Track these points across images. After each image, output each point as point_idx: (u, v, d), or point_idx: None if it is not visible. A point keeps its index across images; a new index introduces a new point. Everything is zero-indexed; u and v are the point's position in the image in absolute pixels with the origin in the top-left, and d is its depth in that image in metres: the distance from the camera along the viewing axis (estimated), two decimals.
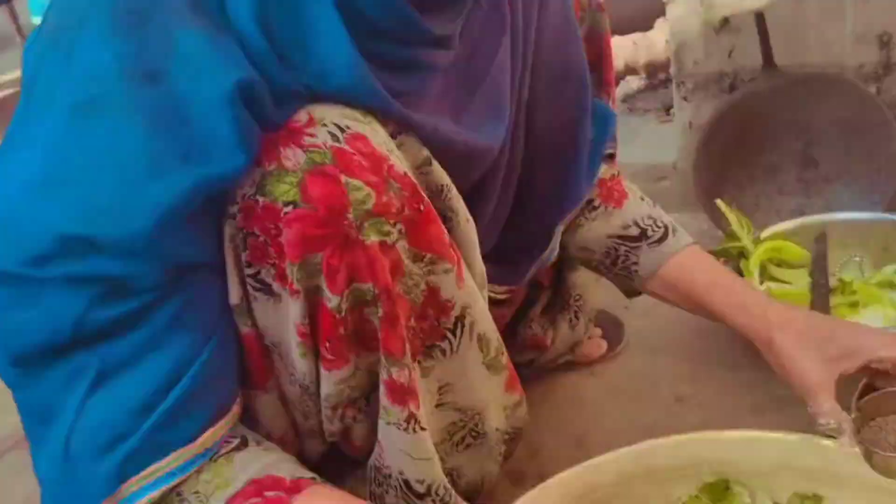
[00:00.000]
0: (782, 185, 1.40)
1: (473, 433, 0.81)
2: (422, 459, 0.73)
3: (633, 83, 2.14)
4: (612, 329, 1.22)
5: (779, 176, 1.40)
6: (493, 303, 0.83)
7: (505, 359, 0.80)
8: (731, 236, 1.17)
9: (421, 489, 0.75)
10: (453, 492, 0.78)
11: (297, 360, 0.67)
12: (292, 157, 0.59)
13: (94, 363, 0.59)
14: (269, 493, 0.62)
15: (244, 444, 0.65)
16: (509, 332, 1.06)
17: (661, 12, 1.73)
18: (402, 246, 0.64)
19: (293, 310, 0.64)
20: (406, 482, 0.75)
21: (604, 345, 1.20)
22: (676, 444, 0.87)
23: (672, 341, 1.20)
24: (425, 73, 0.71)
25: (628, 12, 1.84)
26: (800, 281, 1.13)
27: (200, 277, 0.62)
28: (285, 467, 0.65)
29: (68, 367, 0.59)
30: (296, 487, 0.63)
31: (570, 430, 1.13)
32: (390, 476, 0.75)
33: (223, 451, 0.64)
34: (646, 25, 1.98)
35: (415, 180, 0.65)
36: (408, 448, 0.72)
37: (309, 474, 0.66)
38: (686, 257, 0.94)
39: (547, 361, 1.15)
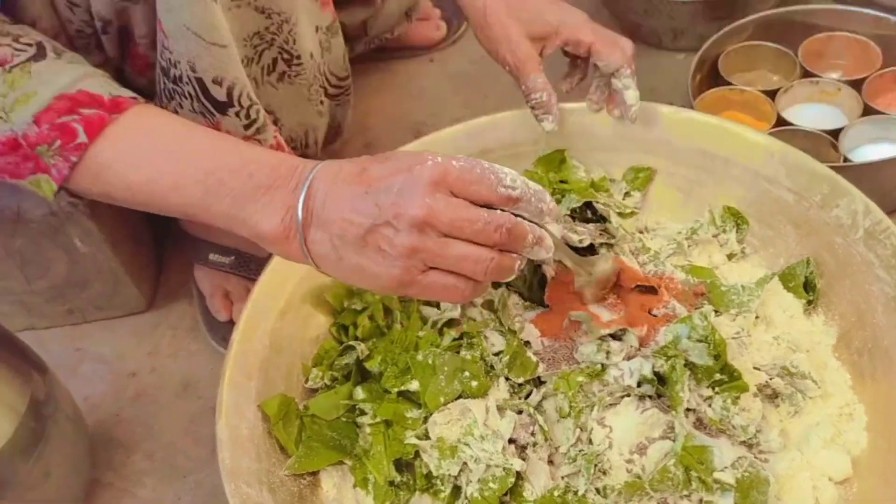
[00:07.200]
0: None
1: (285, 56, 0.70)
2: (216, 45, 0.62)
3: None
4: (451, 10, 1.10)
5: None
6: None
7: None
8: None
9: (220, 95, 0.64)
10: (261, 108, 0.68)
11: None
12: None
13: None
14: (87, 111, 0.54)
15: (41, 53, 0.57)
16: None
17: None
18: None
19: None
20: (201, 83, 0.64)
21: (443, 27, 1.10)
22: (513, 118, 0.81)
23: None
24: None
25: None
26: None
27: None
28: (100, 83, 0.57)
29: None
30: (116, 106, 0.55)
31: (408, 120, 1.05)
32: (181, 78, 0.64)
33: (15, 60, 0.55)
34: None
35: None
36: (195, 24, 0.60)
37: (129, 93, 0.57)
38: None
39: (381, 31, 1.04)
